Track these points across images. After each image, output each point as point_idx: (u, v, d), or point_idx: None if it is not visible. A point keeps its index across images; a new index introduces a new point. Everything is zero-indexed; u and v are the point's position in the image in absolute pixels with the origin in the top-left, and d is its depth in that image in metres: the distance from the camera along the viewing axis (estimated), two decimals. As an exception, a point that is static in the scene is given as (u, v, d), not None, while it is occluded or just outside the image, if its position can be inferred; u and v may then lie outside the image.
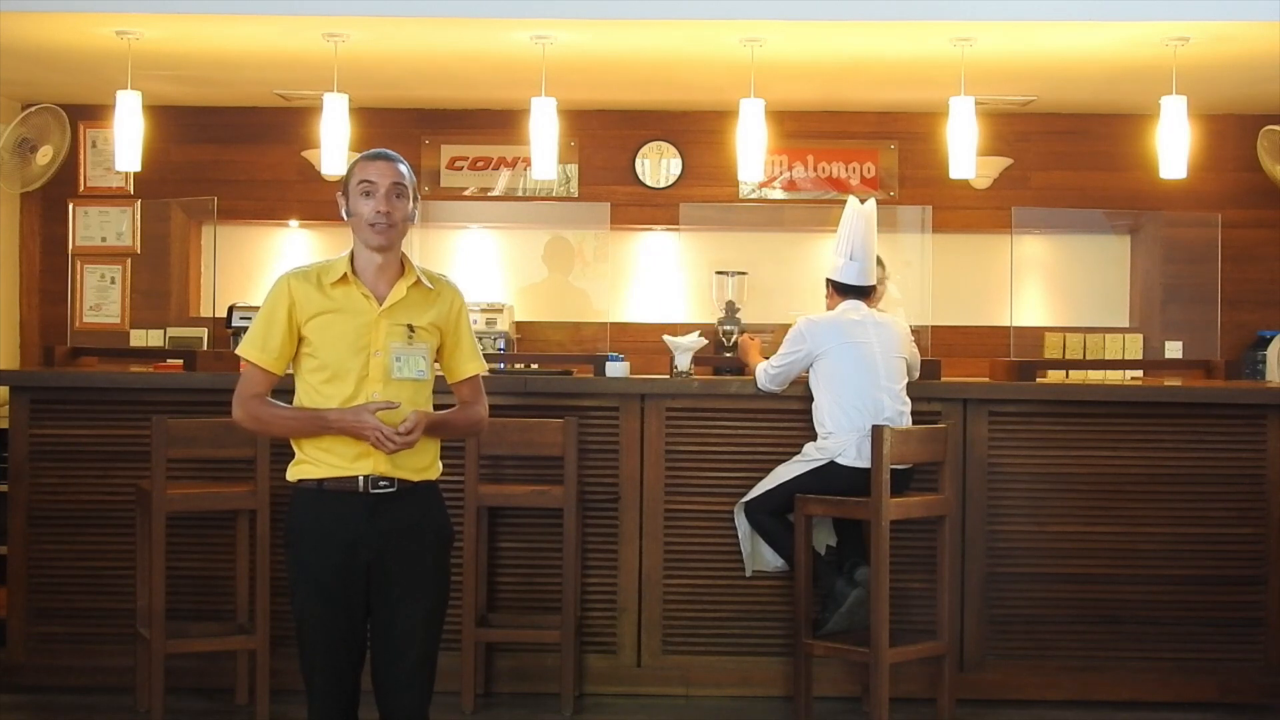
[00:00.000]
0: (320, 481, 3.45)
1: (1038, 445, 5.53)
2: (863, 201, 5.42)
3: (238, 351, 3.56)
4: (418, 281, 3.52)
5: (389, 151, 3.55)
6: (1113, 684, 5.50)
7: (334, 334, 3.44)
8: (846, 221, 5.37)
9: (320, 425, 3.42)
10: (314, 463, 3.47)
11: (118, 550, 5.44)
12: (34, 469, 5.51)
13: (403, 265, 3.53)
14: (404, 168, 3.52)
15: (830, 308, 5.39)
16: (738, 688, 5.49)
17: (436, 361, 3.60)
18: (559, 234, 8.02)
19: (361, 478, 3.44)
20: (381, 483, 3.45)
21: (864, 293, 5.35)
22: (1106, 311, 7.95)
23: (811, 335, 5.24)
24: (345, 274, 3.47)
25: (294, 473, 3.51)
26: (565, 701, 5.23)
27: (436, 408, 3.56)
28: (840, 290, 5.36)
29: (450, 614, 3.65)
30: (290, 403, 3.53)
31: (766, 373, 5.36)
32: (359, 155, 3.59)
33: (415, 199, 3.54)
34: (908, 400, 5.24)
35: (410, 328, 3.48)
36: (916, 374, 5.42)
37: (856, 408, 5.13)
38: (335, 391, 3.43)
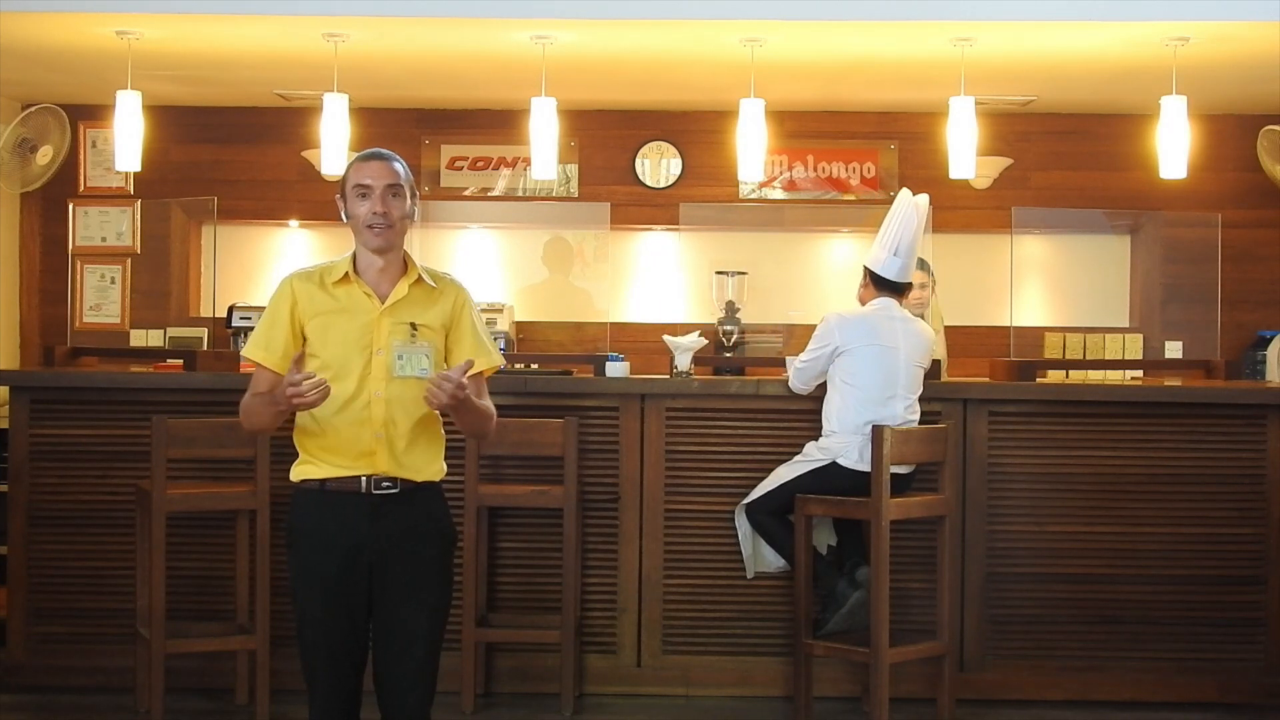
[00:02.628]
0: (322, 482, 3.45)
1: (1038, 445, 5.53)
2: (914, 195, 5.24)
3: (243, 353, 3.55)
4: (420, 280, 3.50)
5: (383, 151, 3.53)
6: (1113, 684, 5.50)
7: (337, 333, 3.44)
8: (896, 214, 5.19)
9: (270, 400, 3.39)
10: (316, 463, 3.46)
11: (118, 550, 5.43)
12: (34, 469, 5.50)
13: (405, 264, 3.52)
14: (399, 166, 3.50)
15: (863, 299, 5.26)
16: (738, 688, 5.48)
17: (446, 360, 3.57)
18: (558, 234, 8.03)
19: (364, 478, 3.42)
20: (384, 484, 3.43)
21: (900, 289, 5.23)
22: (1106, 311, 7.95)
23: (841, 330, 5.13)
24: (347, 273, 3.46)
25: (297, 473, 3.50)
26: (565, 701, 5.22)
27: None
28: (877, 283, 5.22)
29: (450, 614, 3.64)
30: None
31: (794, 367, 5.28)
32: (354, 156, 3.57)
33: (413, 196, 3.53)
34: (918, 410, 5.19)
35: (413, 326, 3.46)
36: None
37: (868, 411, 5.07)
38: (338, 390, 3.41)
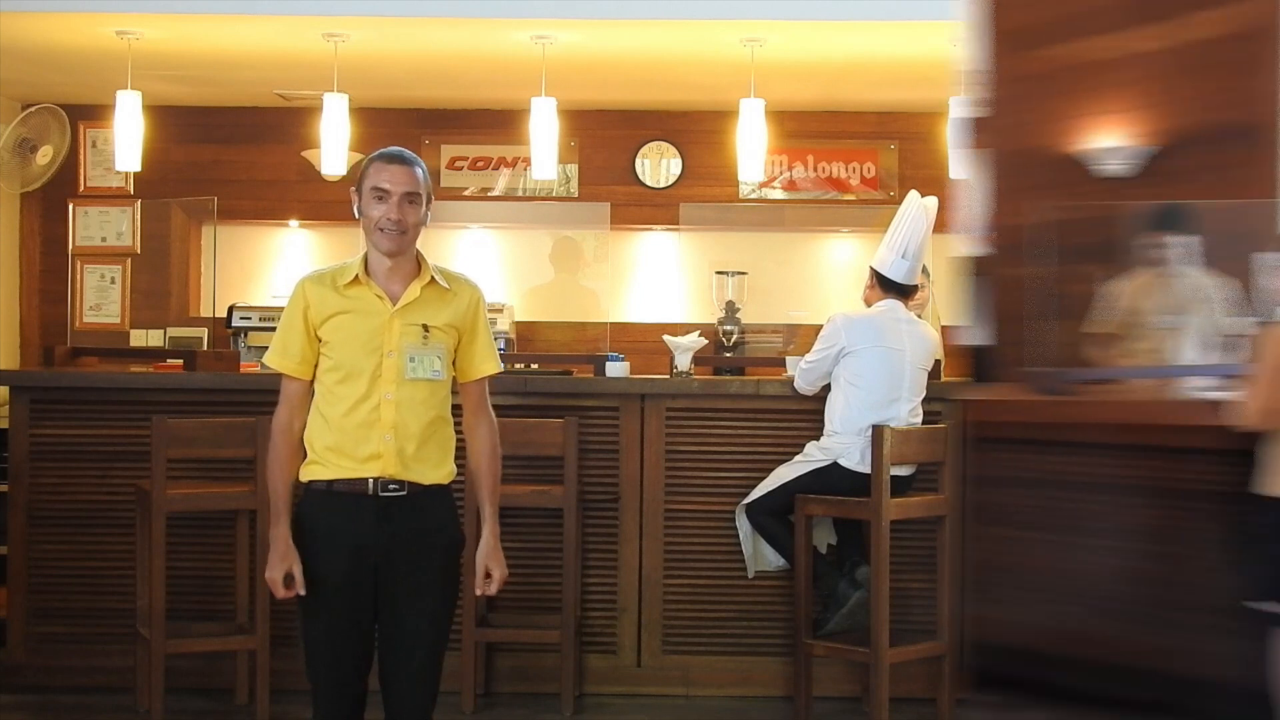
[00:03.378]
0: (330, 483, 3.43)
1: (1038, 445, 5.53)
2: (923, 196, 5.19)
3: (263, 360, 3.54)
4: (432, 281, 3.48)
5: (405, 153, 3.49)
6: (1113, 684, 5.50)
7: (347, 334, 3.41)
8: (905, 215, 5.16)
9: (274, 515, 3.45)
10: (324, 464, 3.43)
11: (118, 550, 5.43)
12: (34, 469, 5.50)
13: (419, 265, 3.50)
14: (420, 171, 3.48)
15: (869, 300, 5.24)
16: (738, 688, 5.48)
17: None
18: (566, 235, 8.03)
19: (371, 480, 3.41)
20: (391, 486, 3.42)
21: (905, 292, 5.21)
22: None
23: (848, 331, 5.10)
24: (358, 275, 3.44)
25: (305, 473, 3.48)
26: (565, 701, 5.22)
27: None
28: (883, 285, 5.19)
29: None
30: (309, 405, 3.50)
31: (800, 368, 5.27)
32: (375, 153, 3.51)
33: (429, 201, 3.51)
34: (921, 413, 5.18)
35: (425, 328, 3.45)
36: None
37: (872, 413, 5.05)
38: (348, 392, 3.40)
